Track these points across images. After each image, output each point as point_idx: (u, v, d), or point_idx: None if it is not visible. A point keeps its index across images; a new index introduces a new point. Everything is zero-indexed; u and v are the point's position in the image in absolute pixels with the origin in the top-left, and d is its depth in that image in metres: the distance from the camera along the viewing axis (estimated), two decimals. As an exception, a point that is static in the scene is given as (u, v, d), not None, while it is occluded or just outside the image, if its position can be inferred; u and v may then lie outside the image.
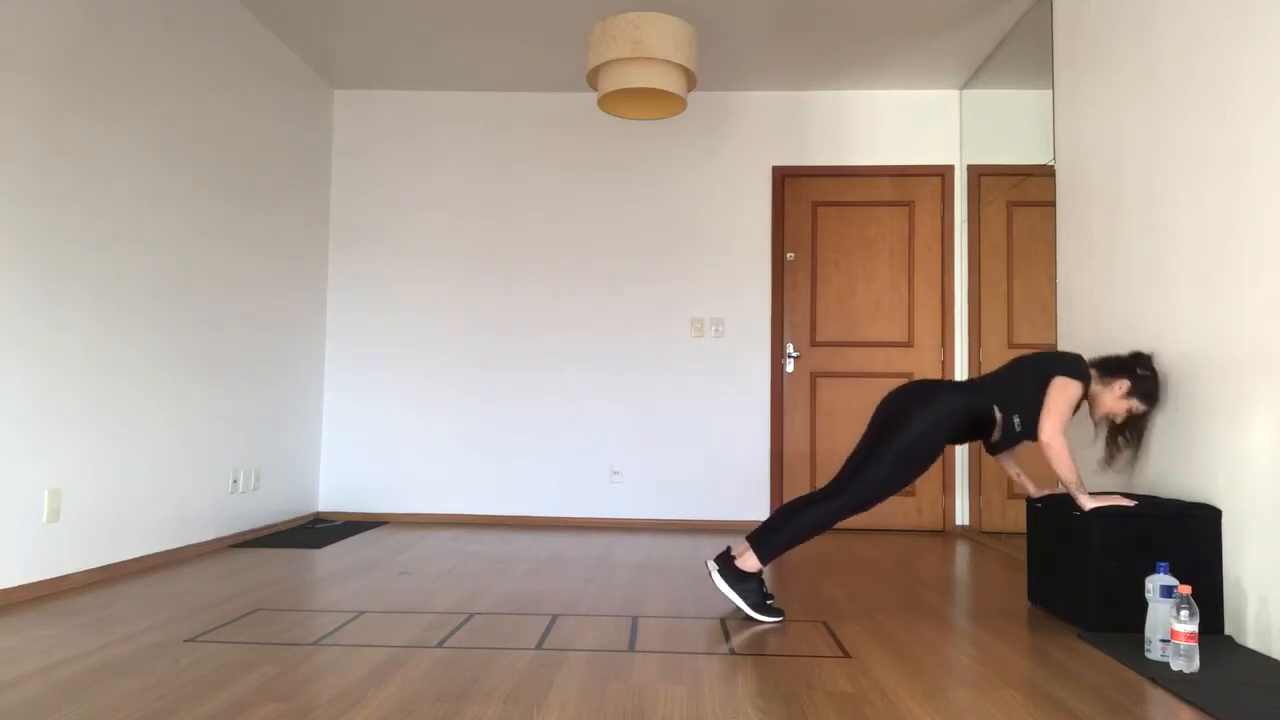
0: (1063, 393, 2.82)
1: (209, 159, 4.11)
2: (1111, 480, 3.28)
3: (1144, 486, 3.07)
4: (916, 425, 2.81)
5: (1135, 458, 3.02)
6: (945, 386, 2.92)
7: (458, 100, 5.47)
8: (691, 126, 5.39)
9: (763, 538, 2.87)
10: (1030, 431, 2.88)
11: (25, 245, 3.02)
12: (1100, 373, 2.95)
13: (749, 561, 2.88)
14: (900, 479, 2.83)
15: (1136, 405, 2.92)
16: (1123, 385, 2.91)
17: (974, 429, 2.91)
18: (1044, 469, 4.24)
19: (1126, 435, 3.05)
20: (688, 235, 5.34)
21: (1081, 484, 2.79)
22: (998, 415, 2.88)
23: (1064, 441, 2.78)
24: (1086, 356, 3.12)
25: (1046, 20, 3.96)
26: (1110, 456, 3.11)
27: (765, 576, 3.64)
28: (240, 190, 4.38)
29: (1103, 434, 3.17)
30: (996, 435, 2.93)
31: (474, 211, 5.41)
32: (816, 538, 4.87)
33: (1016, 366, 2.97)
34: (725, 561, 2.91)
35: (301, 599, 3.07)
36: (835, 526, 5.16)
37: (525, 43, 4.74)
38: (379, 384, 5.36)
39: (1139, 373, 2.91)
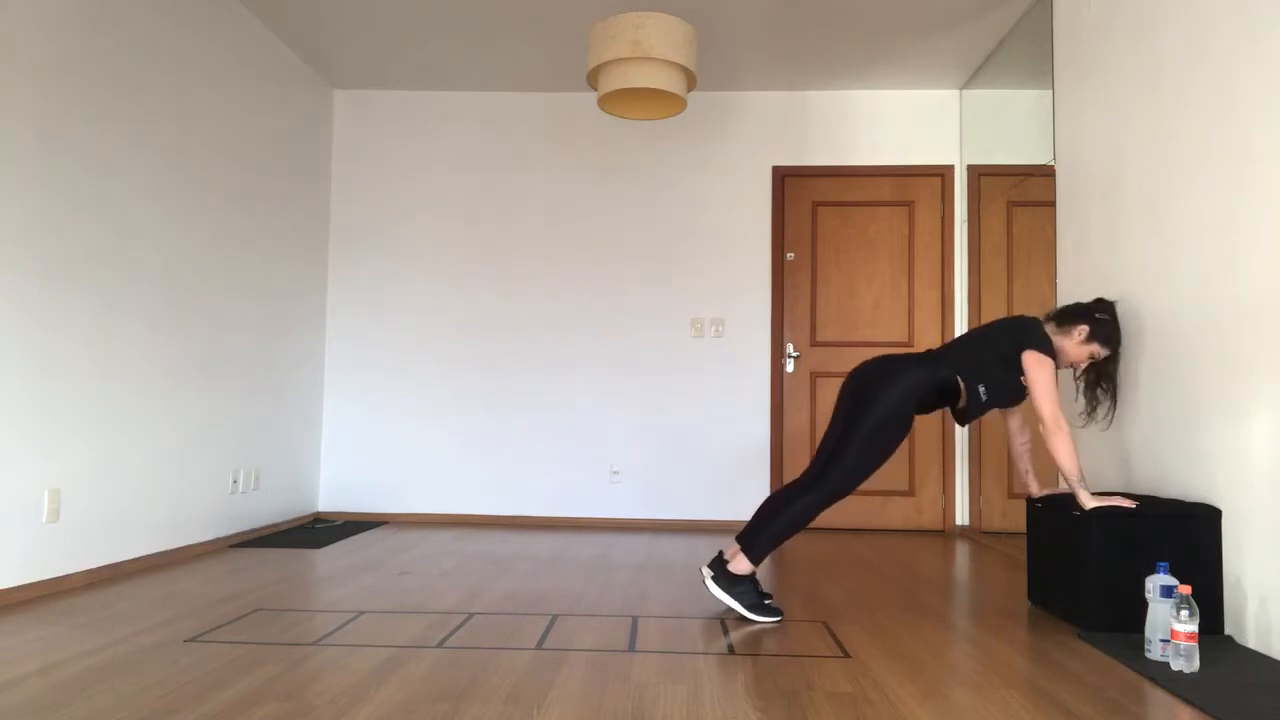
0: (1043, 369, 2.83)
1: (209, 159, 4.11)
2: (1105, 458, 3.28)
3: (1144, 486, 3.07)
4: (883, 403, 2.82)
5: (1114, 407, 3.05)
6: (906, 360, 2.92)
7: (458, 100, 5.47)
8: (691, 126, 5.39)
9: (751, 538, 2.88)
10: (998, 399, 2.88)
11: (25, 246, 3.02)
12: (1058, 323, 2.99)
13: (740, 564, 2.88)
14: (876, 458, 2.84)
15: (1098, 350, 2.97)
16: (1081, 331, 2.96)
17: (940, 398, 2.92)
18: (1046, 464, 4.24)
19: (1103, 385, 3.09)
20: (687, 235, 5.34)
21: (1083, 478, 2.79)
22: (962, 385, 2.89)
23: (1066, 427, 2.79)
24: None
25: (1046, 20, 3.96)
26: (1091, 409, 3.15)
27: (763, 576, 3.64)
28: (241, 190, 4.38)
29: (1082, 388, 3.19)
30: (962, 403, 2.93)
31: (474, 211, 5.41)
32: (808, 530, 4.88)
33: (978, 336, 2.98)
34: (718, 566, 2.91)
35: (301, 599, 3.07)
36: (834, 525, 5.16)
37: (525, 43, 4.74)
38: (379, 384, 5.36)
39: (1097, 317, 2.96)
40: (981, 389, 2.87)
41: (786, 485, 2.95)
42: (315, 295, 5.25)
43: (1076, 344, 2.97)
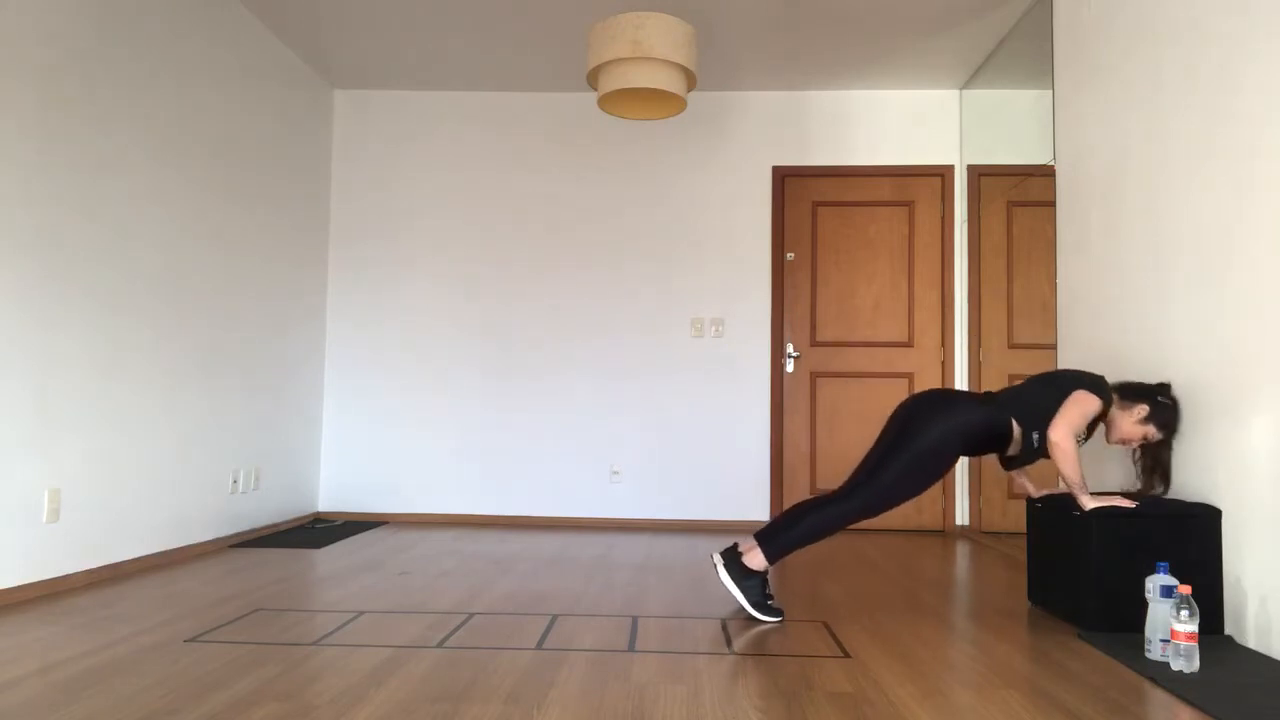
0: (1078, 404, 2.80)
1: (209, 160, 4.11)
2: (1106, 459, 3.28)
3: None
4: (932, 434, 2.80)
5: (1166, 490, 2.97)
6: (965, 397, 2.90)
7: (458, 100, 5.47)
8: (691, 127, 5.39)
9: (770, 537, 2.87)
10: (1048, 448, 2.85)
11: (25, 246, 3.02)
12: (1121, 396, 2.91)
13: (755, 559, 2.88)
14: (912, 487, 2.81)
15: (1153, 432, 2.86)
16: (1141, 410, 2.86)
17: (989, 443, 2.89)
18: (1045, 468, 4.23)
19: (1159, 471, 2.95)
20: (687, 235, 5.34)
21: (1084, 485, 2.78)
22: (1016, 431, 2.86)
23: (1073, 444, 2.76)
24: (1109, 377, 3.09)
25: (1046, 20, 3.96)
26: (1147, 490, 3.02)
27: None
28: (241, 190, 4.38)
29: (1139, 472, 3.05)
30: (1013, 450, 2.91)
31: (474, 211, 5.41)
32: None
33: (1039, 383, 2.95)
34: (731, 557, 2.91)
35: (301, 599, 3.07)
36: (835, 526, 5.16)
37: (525, 43, 4.74)
38: (379, 384, 5.36)
39: (1159, 399, 2.86)
40: (1035, 435, 2.84)
41: (819, 495, 2.93)
42: (315, 295, 5.25)
43: (1134, 422, 2.87)
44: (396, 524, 5.14)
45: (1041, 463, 4.18)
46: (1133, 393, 2.91)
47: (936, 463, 2.81)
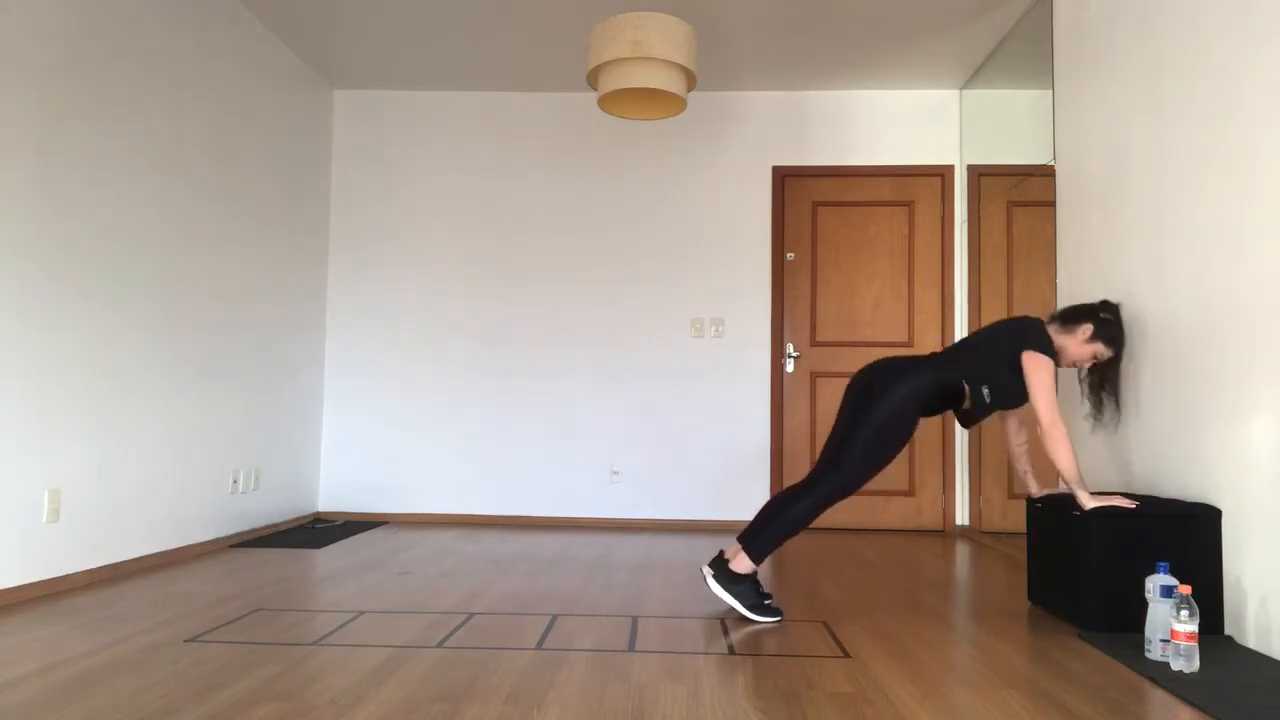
0: (1042, 370, 2.81)
1: (208, 160, 4.10)
2: (1104, 459, 3.28)
3: (1144, 486, 3.07)
4: (886, 404, 2.83)
5: (1119, 411, 3.02)
6: (911, 362, 2.92)
7: (458, 100, 5.47)
8: (692, 126, 5.39)
9: (752, 537, 2.88)
10: (1002, 401, 2.87)
11: (26, 248, 3.02)
12: (1062, 322, 3.00)
13: (742, 563, 2.88)
14: (877, 459, 2.84)
15: (1101, 350, 2.96)
16: (1085, 330, 2.95)
17: (944, 401, 2.92)
18: (1045, 465, 4.24)
19: (1107, 389, 3.07)
20: (688, 235, 5.34)
21: (1082, 480, 2.79)
22: (966, 388, 2.89)
23: (1063, 428, 2.79)
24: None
25: (1046, 20, 3.96)
26: (1098, 413, 3.12)
27: (764, 576, 3.64)
28: (240, 190, 4.38)
29: (1086, 392, 3.18)
30: (967, 405, 2.93)
31: (473, 211, 5.41)
32: (809, 530, 4.88)
33: (979, 338, 2.97)
34: (719, 565, 2.91)
35: (301, 599, 3.07)
36: (834, 525, 5.16)
37: (525, 43, 4.74)
38: (379, 384, 5.36)
39: (1102, 316, 2.95)
40: (985, 391, 2.87)
41: (790, 486, 2.95)
42: (315, 295, 5.25)
43: (1080, 343, 2.97)
44: (396, 524, 5.14)
45: (1041, 462, 4.19)
46: (1074, 315, 3.00)
47: (896, 432, 2.83)
